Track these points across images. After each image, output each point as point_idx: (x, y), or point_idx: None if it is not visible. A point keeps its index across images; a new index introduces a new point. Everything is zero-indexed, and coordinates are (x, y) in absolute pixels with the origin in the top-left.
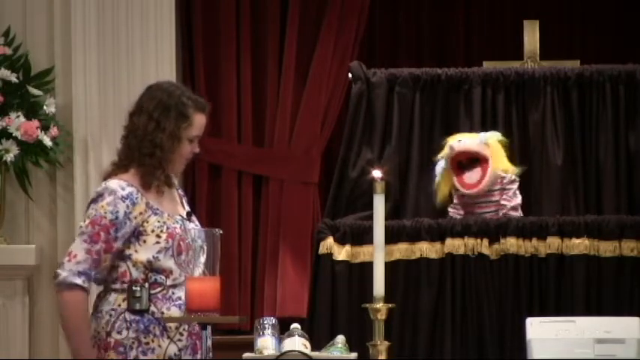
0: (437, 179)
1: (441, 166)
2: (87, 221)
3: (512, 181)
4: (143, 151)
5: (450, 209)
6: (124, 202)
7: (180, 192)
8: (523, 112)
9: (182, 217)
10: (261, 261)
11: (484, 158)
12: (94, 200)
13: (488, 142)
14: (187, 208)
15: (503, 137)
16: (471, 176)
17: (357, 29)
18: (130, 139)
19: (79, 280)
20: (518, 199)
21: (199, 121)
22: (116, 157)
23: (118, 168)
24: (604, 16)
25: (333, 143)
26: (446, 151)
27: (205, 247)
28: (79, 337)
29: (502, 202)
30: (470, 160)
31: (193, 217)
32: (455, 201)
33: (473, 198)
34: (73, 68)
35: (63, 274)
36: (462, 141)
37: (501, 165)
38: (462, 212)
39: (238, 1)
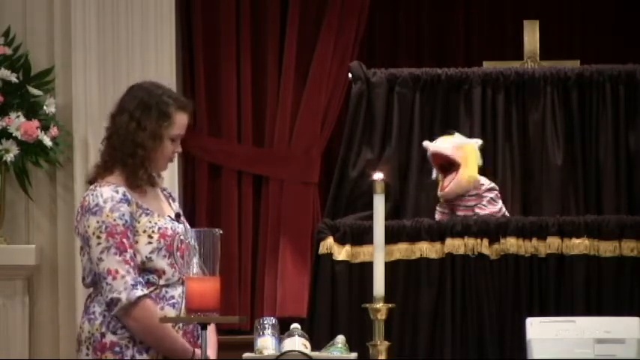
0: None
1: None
2: (102, 235)
3: (489, 189)
4: (125, 151)
5: (437, 208)
6: (123, 203)
7: (167, 192)
8: (523, 112)
9: (170, 217)
10: (261, 261)
11: (457, 163)
12: (92, 212)
13: (463, 147)
14: (175, 209)
15: (480, 140)
16: (448, 179)
17: (357, 29)
18: (114, 139)
19: (139, 292)
20: (496, 208)
21: (181, 120)
22: (99, 159)
23: (104, 170)
24: (604, 16)
25: (333, 143)
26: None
27: (197, 247)
28: (169, 338)
29: (476, 209)
30: (447, 165)
31: (182, 219)
32: (440, 202)
33: (453, 200)
34: (73, 68)
35: (122, 296)
36: (436, 143)
37: (470, 171)
38: (447, 212)
39: (238, 1)
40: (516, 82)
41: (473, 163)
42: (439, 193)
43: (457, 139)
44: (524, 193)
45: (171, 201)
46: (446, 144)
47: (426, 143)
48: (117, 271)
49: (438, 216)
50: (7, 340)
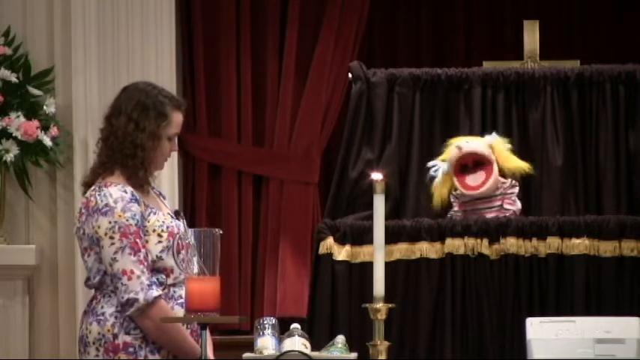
0: (435, 182)
1: (441, 169)
2: (116, 236)
3: (513, 186)
4: (125, 152)
5: (450, 214)
6: (134, 203)
7: (156, 190)
8: (523, 112)
9: (171, 215)
10: (261, 261)
11: (489, 161)
12: (101, 212)
13: (493, 145)
14: (169, 207)
15: (504, 139)
16: (475, 178)
17: (357, 29)
18: (112, 141)
19: (155, 292)
20: (519, 205)
21: (177, 119)
22: (96, 161)
23: (104, 172)
24: (604, 16)
25: (333, 143)
26: (451, 152)
27: (196, 246)
28: (181, 338)
29: (505, 205)
30: (474, 163)
31: (181, 216)
32: (455, 208)
33: (474, 204)
34: (73, 68)
35: (139, 296)
36: (470, 142)
37: (513, 163)
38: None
39: (238, 1)
40: (516, 82)
41: (508, 156)
42: (468, 192)
43: (487, 138)
44: (524, 193)
45: (162, 199)
46: (479, 143)
47: (459, 143)
48: (132, 272)
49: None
50: (7, 340)
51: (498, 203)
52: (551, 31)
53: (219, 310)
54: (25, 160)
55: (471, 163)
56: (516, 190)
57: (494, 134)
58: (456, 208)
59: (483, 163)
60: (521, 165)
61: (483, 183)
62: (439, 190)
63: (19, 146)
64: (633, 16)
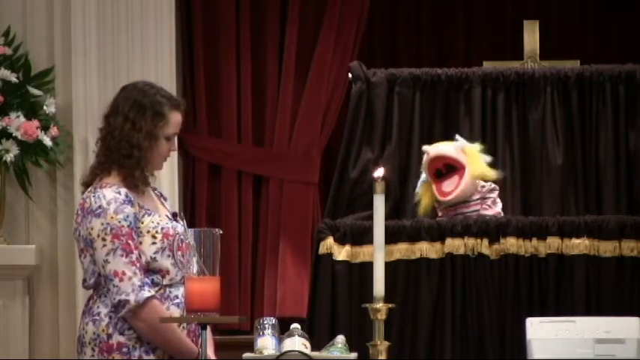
0: (417, 190)
1: (421, 177)
2: (108, 237)
3: (491, 190)
4: (122, 152)
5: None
6: (127, 205)
7: (157, 192)
8: (523, 112)
9: (168, 216)
10: (261, 261)
11: (461, 165)
12: (95, 214)
13: (465, 149)
14: (169, 208)
15: (480, 145)
16: (449, 184)
17: (357, 29)
18: (109, 141)
19: (146, 293)
20: (498, 207)
21: (175, 119)
22: (95, 161)
23: (101, 172)
24: (604, 16)
25: (333, 143)
26: (423, 158)
27: (196, 246)
28: (176, 339)
29: (482, 211)
30: (447, 168)
31: (179, 218)
32: (439, 214)
33: (455, 209)
34: (73, 68)
35: (130, 298)
36: (438, 146)
37: (480, 169)
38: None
39: (238, 1)
40: (516, 82)
41: (478, 162)
42: (442, 199)
43: (458, 142)
44: (524, 193)
45: (162, 200)
46: (448, 146)
47: (425, 147)
48: (124, 273)
49: None
50: (7, 340)
51: (476, 208)
52: (551, 31)
53: (219, 310)
54: (25, 160)
55: (444, 168)
56: (495, 193)
57: (462, 140)
58: (439, 214)
59: (456, 168)
60: (486, 172)
61: (454, 189)
62: (423, 199)
63: (19, 146)
64: (633, 16)
